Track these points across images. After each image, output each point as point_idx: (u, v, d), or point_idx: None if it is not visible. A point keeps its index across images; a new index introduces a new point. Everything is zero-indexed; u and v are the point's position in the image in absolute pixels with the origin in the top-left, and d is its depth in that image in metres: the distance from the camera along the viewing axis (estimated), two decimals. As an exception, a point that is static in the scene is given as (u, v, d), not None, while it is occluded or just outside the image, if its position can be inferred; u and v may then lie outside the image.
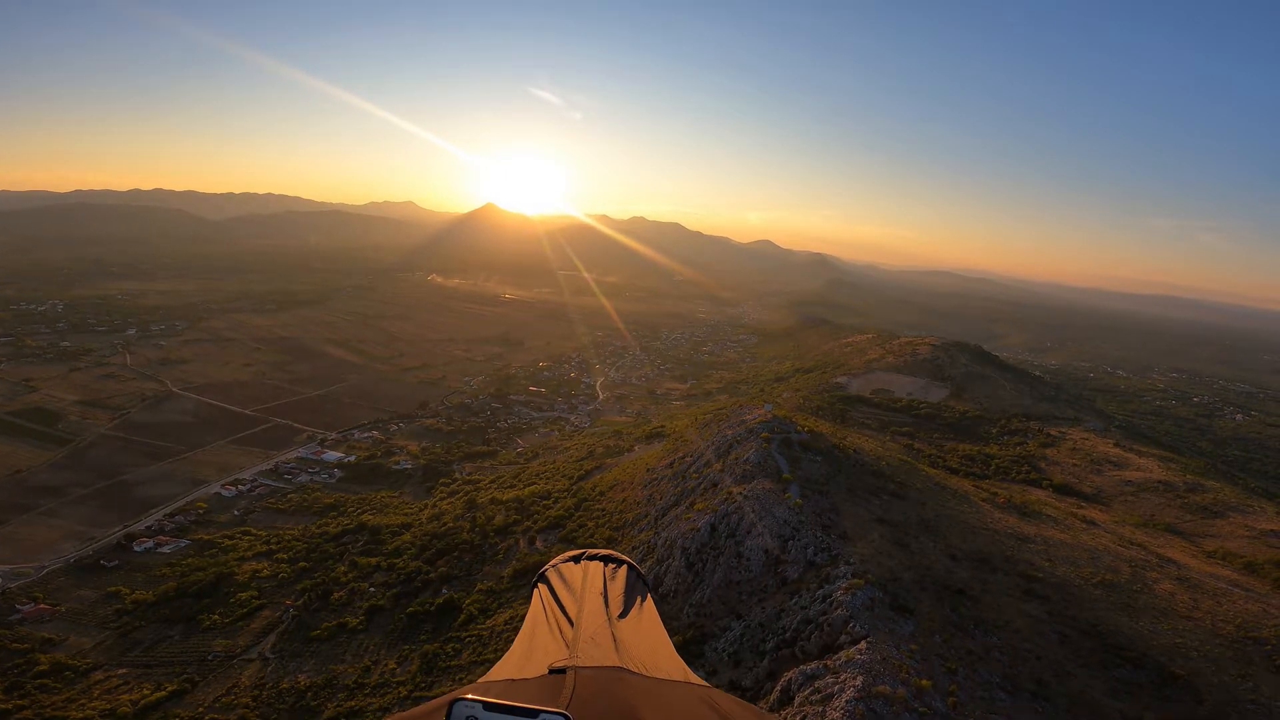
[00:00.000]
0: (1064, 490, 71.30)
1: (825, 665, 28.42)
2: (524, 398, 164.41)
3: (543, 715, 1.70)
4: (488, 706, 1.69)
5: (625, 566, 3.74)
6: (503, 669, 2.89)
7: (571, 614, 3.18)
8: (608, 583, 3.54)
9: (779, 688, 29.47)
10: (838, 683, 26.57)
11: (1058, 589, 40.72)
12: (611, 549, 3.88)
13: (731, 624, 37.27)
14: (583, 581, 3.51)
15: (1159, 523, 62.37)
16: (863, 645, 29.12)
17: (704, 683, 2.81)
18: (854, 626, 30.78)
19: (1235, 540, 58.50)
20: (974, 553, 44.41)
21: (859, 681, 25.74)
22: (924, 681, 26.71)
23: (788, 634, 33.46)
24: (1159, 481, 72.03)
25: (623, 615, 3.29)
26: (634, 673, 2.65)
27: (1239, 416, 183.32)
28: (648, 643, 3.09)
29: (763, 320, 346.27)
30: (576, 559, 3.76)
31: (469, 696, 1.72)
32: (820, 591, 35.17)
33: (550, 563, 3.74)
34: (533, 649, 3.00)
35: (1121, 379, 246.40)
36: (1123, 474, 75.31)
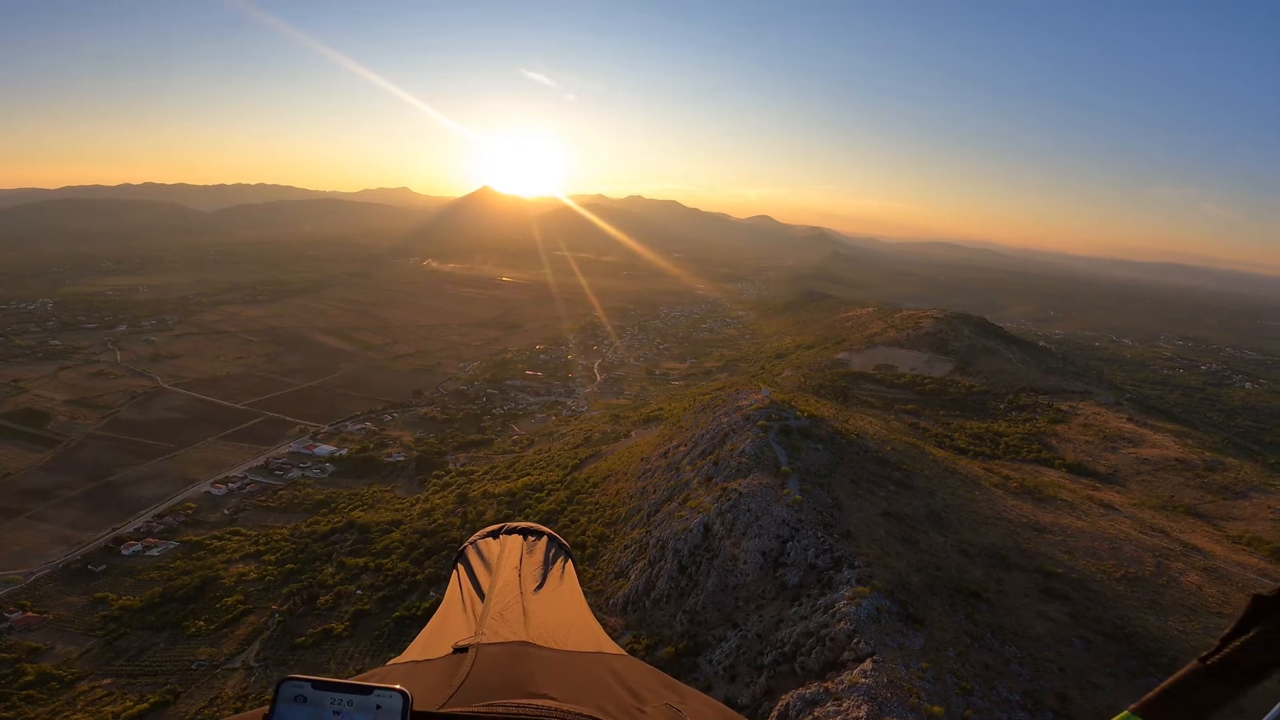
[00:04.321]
0: (1077, 470, 68.57)
1: (826, 689, 25.80)
2: (520, 382, 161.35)
3: (377, 691, 1.57)
4: (316, 685, 1.59)
5: (545, 538, 3.57)
6: (411, 651, 2.75)
7: (485, 590, 3.03)
8: (524, 556, 3.36)
9: (777, 710, 26.87)
10: (839, 711, 23.94)
11: (1079, 586, 38.04)
12: (532, 521, 3.70)
13: (728, 634, 34.65)
14: (499, 556, 3.33)
15: (1179, 504, 59.57)
16: (868, 665, 26.46)
17: (621, 651, 2.70)
18: (858, 642, 28.09)
19: (1260, 523, 55.74)
20: (988, 547, 41.73)
21: (863, 712, 23.10)
22: (936, 708, 24.08)
23: (787, 647, 30.83)
24: (1176, 459, 69.04)
25: (538, 588, 3.12)
26: (540, 647, 2.52)
27: (1248, 384, 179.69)
28: (562, 615, 2.92)
29: (762, 296, 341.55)
30: (495, 534, 3.59)
31: (297, 675, 1.64)
32: (822, 600, 32.50)
33: (469, 539, 3.59)
34: (443, 629, 2.87)
35: (1128, 348, 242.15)
36: (1138, 451, 72.32)
